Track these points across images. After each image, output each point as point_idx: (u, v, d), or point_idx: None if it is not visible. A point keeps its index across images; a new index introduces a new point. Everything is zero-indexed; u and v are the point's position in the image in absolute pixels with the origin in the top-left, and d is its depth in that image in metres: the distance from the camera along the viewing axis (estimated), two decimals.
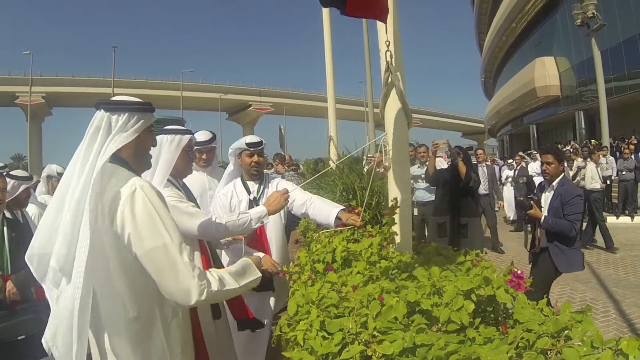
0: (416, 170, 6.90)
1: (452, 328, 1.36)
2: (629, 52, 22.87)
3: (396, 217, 2.49)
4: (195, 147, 3.05)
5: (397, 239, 2.48)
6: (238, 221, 2.31)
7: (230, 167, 3.25)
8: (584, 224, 7.95)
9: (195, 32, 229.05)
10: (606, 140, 15.19)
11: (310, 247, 2.62)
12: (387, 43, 2.28)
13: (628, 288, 5.75)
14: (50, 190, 4.76)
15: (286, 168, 8.43)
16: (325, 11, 7.32)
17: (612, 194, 11.91)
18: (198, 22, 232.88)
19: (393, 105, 2.42)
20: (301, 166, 10.14)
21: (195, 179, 3.29)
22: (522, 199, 4.12)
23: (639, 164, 11.48)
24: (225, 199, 3.09)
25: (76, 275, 1.47)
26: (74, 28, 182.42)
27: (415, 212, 6.68)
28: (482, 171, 8.37)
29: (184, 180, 2.56)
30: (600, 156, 10.46)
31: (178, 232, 1.61)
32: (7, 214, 3.31)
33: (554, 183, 3.96)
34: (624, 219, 11.03)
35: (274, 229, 3.12)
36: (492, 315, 1.54)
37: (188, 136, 2.43)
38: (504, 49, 42.06)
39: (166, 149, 2.32)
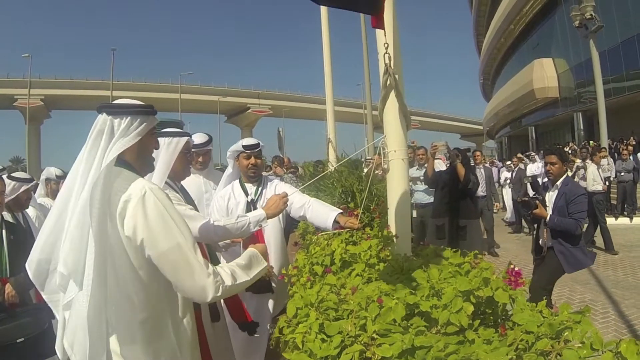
0: (415, 172, 6.89)
1: (451, 330, 1.35)
2: (627, 53, 22.93)
3: (394, 219, 2.49)
4: (192, 150, 3.05)
5: (396, 241, 2.48)
6: (236, 224, 2.31)
7: (229, 170, 3.27)
8: (585, 225, 7.94)
9: (194, 34, 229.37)
10: (605, 141, 15.18)
11: (309, 250, 2.61)
12: (386, 45, 2.28)
13: (627, 289, 5.74)
14: (49, 193, 4.75)
15: (285, 170, 8.43)
16: (324, 14, 7.34)
17: (611, 195, 11.91)
18: (197, 24, 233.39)
19: (392, 107, 2.43)
20: (300, 168, 10.14)
21: (192, 182, 3.28)
22: (526, 199, 4.16)
23: (638, 165, 11.48)
24: (223, 201, 3.11)
25: (88, 281, 1.49)
26: (73, 30, 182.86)
27: (414, 214, 6.67)
28: (480, 173, 8.34)
29: (182, 183, 2.55)
30: (601, 158, 10.45)
31: (189, 231, 1.63)
32: (8, 217, 3.31)
33: (558, 183, 4.03)
34: (623, 220, 11.02)
35: (272, 231, 3.11)
36: (491, 317, 1.54)
37: (185, 138, 2.43)
38: (502, 50, 42.16)
39: (164, 152, 2.31)
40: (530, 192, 9.51)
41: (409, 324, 1.37)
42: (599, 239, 8.32)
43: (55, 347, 1.67)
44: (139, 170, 1.71)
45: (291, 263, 2.55)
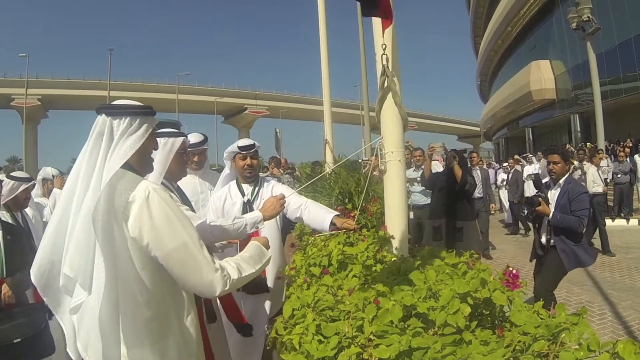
0: (412, 173, 6.89)
1: (449, 331, 1.35)
2: (624, 55, 23.03)
3: (390, 221, 2.49)
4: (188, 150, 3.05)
5: (393, 242, 2.48)
6: (233, 226, 2.30)
7: (226, 171, 3.27)
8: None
9: (192, 35, 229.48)
10: (601, 143, 15.23)
11: (306, 251, 2.61)
12: (384, 46, 2.28)
13: (624, 291, 5.76)
14: (46, 193, 4.74)
15: (282, 171, 8.42)
16: (322, 14, 7.34)
17: (608, 197, 11.93)
18: (195, 25, 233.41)
19: (389, 109, 2.43)
20: (297, 169, 10.14)
21: (188, 182, 3.27)
22: (527, 197, 4.19)
23: (634, 167, 11.51)
24: (219, 202, 3.11)
25: (100, 285, 1.50)
26: (70, 30, 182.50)
27: (411, 215, 6.67)
28: (476, 174, 8.34)
29: (178, 183, 2.55)
30: (601, 159, 10.47)
31: (194, 228, 1.64)
32: (6, 217, 3.30)
33: (561, 181, 4.08)
34: (620, 222, 11.05)
35: (269, 232, 3.10)
36: (488, 319, 1.54)
37: (181, 139, 2.42)
38: (499, 52, 42.30)
39: (160, 152, 2.30)
40: (530, 192, 9.54)
41: (406, 326, 1.37)
42: (596, 241, 8.33)
43: (67, 350, 1.68)
44: (139, 171, 1.71)
45: (288, 264, 2.55)
